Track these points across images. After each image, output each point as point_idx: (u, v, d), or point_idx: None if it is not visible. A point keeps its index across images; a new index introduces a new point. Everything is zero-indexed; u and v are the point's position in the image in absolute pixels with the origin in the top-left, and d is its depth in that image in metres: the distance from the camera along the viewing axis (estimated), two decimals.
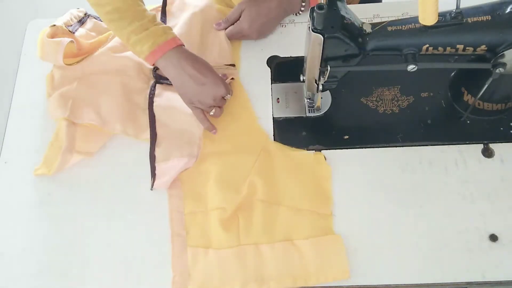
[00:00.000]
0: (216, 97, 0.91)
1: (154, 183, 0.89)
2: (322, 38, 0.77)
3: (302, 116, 0.95)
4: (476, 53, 0.81)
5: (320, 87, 0.86)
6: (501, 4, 0.78)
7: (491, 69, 0.80)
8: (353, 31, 0.79)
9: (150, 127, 0.94)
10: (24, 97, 1.02)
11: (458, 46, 0.80)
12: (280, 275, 0.82)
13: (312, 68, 0.83)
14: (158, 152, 0.92)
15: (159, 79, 0.99)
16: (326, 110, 0.96)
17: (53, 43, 0.95)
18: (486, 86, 0.84)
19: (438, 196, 0.87)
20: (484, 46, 0.79)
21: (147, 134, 0.94)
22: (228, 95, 0.93)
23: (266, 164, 0.90)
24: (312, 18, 0.77)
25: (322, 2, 0.76)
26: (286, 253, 0.83)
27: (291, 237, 0.84)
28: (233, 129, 0.95)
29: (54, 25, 0.98)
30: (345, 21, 0.77)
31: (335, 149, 0.92)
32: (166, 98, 0.97)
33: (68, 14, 1.03)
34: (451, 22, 0.78)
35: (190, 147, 0.92)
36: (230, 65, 1.01)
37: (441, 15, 0.77)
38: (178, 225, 0.87)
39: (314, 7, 0.75)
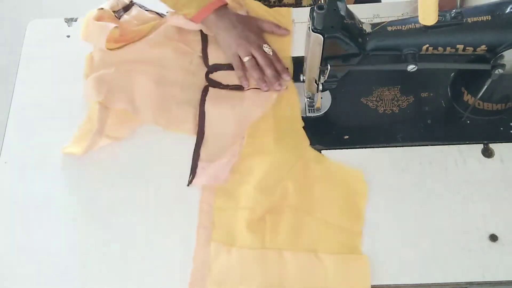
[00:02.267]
0: (254, 42, 0.94)
1: (193, 181, 0.89)
2: (322, 38, 0.77)
3: (302, 116, 0.95)
4: (476, 53, 0.81)
5: (320, 87, 0.86)
6: (501, 4, 0.78)
7: (491, 69, 0.80)
8: (353, 31, 0.79)
9: (198, 125, 0.94)
10: (24, 97, 1.02)
11: (458, 46, 0.80)
12: (299, 286, 0.80)
13: (312, 68, 0.83)
14: (203, 151, 0.92)
15: (212, 83, 0.99)
16: (326, 110, 0.96)
17: (98, 26, 0.96)
18: (486, 86, 0.84)
19: (438, 196, 0.87)
20: (484, 46, 0.79)
21: (177, 126, 0.95)
22: (267, 45, 0.94)
23: (302, 171, 0.89)
24: (312, 18, 0.77)
25: (322, 2, 0.76)
26: (309, 264, 0.82)
27: (316, 249, 0.83)
28: (277, 130, 0.93)
29: (102, 9, 0.99)
30: (345, 21, 0.77)
31: (335, 149, 0.92)
32: (218, 100, 0.97)
33: (115, 0, 1.04)
34: (451, 22, 0.78)
35: (233, 147, 0.92)
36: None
37: (441, 15, 0.77)
38: (206, 218, 0.86)
39: (314, 7, 0.75)
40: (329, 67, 0.81)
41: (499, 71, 0.79)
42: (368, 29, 0.81)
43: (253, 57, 0.96)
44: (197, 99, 0.97)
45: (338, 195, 0.87)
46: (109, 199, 0.90)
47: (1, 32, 2.10)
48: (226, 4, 0.99)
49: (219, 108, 0.95)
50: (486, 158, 0.90)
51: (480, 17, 0.78)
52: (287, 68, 0.98)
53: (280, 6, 1.09)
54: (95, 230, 0.88)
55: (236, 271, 0.82)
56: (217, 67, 1.00)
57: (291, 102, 0.96)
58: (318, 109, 0.95)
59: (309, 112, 0.95)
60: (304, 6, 1.11)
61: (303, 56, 0.87)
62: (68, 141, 0.95)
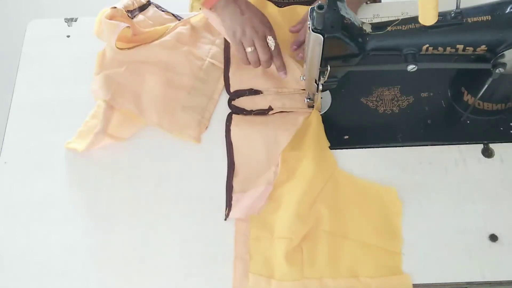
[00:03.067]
0: (258, 30, 0.93)
1: (229, 214, 0.87)
2: (322, 38, 0.77)
3: None
4: (476, 53, 0.81)
5: (320, 87, 0.86)
6: (501, 4, 0.78)
7: (491, 69, 0.80)
8: (353, 31, 0.79)
9: (228, 156, 0.92)
10: (24, 97, 1.02)
11: (458, 46, 0.80)
12: None
13: (312, 68, 0.83)
14: (235, 182, 0.90)
15: (236, 110, 0.97)
16: (326, 110, 0.96)
17: (110, 24, 0.95)
18: (486, 86, 0.84)
19: (438, 196, 0.87)
20: (484, 46, 0.79)
21: (180, 131, 0.94)
22: (271, 38, 0.93)
23: (333, 193, 0.87)
24: (312, 18, 0.77)
25: (322, 2, 0.76)
26: None
27: (357, 273, 0.81)
28: (305, 155, 0.90)
29: (115, 7, 0.98)
30: (345, 21, 0.77)
31: (335, 149, 0.92)
32: (244, 127, 0.95)
33: (128, 0, 1.03)
34: (451, 22, 0.78)
35: (267, 175, 0.90)
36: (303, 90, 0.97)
37: (441, 15, 0.77)
38: (242, 249, 0.84)
39: (314, 7, 0.75)
40: (329, 68, 0.81)
41: (500, 70, 0.79)
42: (368, 29, 0.81)
43: (255, 49, 0.95)
44: (203, 106, 0.97)
45: (372, 215, 0.85)
46: (109, 199, 0.90)
47: (1, 32, 2.10)
48: None
49: (246, 135, 0.94)
50: (486, 158, 0.90)
51: (480, 17, 0.78)
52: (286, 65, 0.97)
53: (294, 4, 1.08)
54: (95, 230, 0.88)
55: None
56: (239, 93, 0.98)
57: (316, 124, 0.93)
58: (318, 109, 0.95)
59: None
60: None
61: None
62: (72, 136, 0.95)
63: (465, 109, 0.92)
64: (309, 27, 0.78)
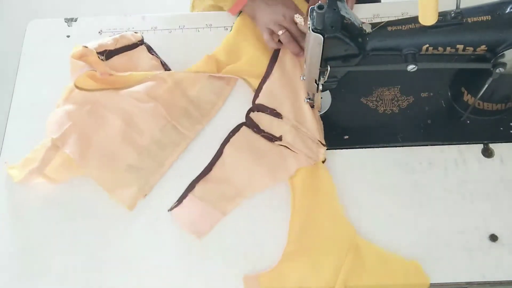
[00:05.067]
0: (285, 14, 0.95)
1: (175, 209, 0.87)
2: (322, 38, 0.77)
3: None
4: (476, 53, 0.81)
5: (320, 87, 0.86)
6: (501, 4, 0.78)
7: (491, 69, 0.80)
8: (353, 31, 0.79)
9: (211, 161, 0.91)
10: (24, 97, 1.02)
11: (458, 46, 0.80)
12: None
13: (312, 68, 0.83)
14: (199, 186, 0.88)
15: (249, 122, 0.94)
16: (326, 110, 0.96)
17: (73, 63, 0.93)
18: (486, 86, 0.84)
19: (438, 196, 0.87)
20: (484, 46, 0.79)
21: (116, 191, 0.89)
22: (298, 15, 0.95)
23: (355, 268, 0.80)
24: (312, 18, 0.77)
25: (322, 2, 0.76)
26: None
27: None
28: (316, 222, 0.85)
29: (86, 47, 0.94)
30: (345, 21, 0.77)
31: (335, 149, 0.92)
32: (243, 144, 0.92)
33: (116, 38, 0.99)
34: (451, 22, 0.78)
35: (227, 204, 0.87)
36: (321, 143, 0.92)
37: (441, 15, 0.77)
38: None
39: (314, 7, 0.75)
40: (329, 68, 0.81)
41: (500, 70, 0.79)
42: (368, 29, 0.81)
43: (287, 30, 0.96)
44: (150, 172, 0.91)
45: None
46: (110, 199, 0.90)
47: (1, 32, 2.10)
48: None
49: (240, 153, 0.91)
50: (486, 158, 0.90)
51: (480, 17, 0.78)
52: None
53: None
54: (95, 230, 0.88)
55: None
56: (261, 108, 0.95)
57: (326, 186, 0.88)
58: (318, 109, 0.95)
59: None
60: None
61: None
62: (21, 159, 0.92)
63: (465, 109, 0.92)
64: (309, 27, 0.78)
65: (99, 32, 1.07)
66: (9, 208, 0.91)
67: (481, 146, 0.91)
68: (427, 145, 0.91)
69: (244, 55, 1.00)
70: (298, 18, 0.95)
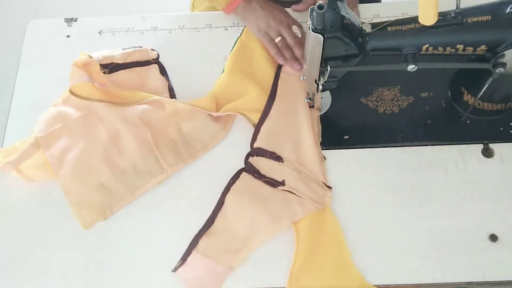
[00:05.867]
0: (282, 21, 0.96)
1: (179, 268, 0.83)
2: (322, 38, 0.77)
3: None
4: (476, 53, 0.81)
5: (320, 87, 0.86)
6: (501, 4, 0.78)
7: (491, 69, 0.80)
8: (353, 31, 0.79)
9: (212, 212, 0.86)
10: (24, 97, 1.02)
11: (458, 46, 0.80)
12: None
13: (312, 68, 0.83)
14: (203, 241, 0.84)
15: (249, 168, 0.90)
16: (326, 110, 0.96)
17: (73, 70, 0.93)
18: (486, 86, 0.84)
19: (438, 196, 0.87)
20: (484, 46, 0.79)
21: (79, 207, 0.87)
22: (296, 27, 0.96)
23: None
24: (312, 18, 0.77)
25: (322, 2, 0.76)
26: None
27: None
28: (322, 267, 0.82)
29: (91, 57, 0.94)
30: (345, 21, 0.77)
31: (335, 149, 0.92)
32: (245, 191, 0.87)
33: (128, 52, 0.98)
34: (451, 22, 0.78)
35: (233, 258, 0.83)
36: (326, 185, 0.89)
37: (441, 15, 0.77)
38: None
39: (314, 7, 0.75)
40: (329, 68, 0.81)
41: (500, 70, 0.79)
42: (368, 29, 0.81)
43: (283, 37, 0.97)
44: (118, 197, 0.88)
45: None
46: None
47: (1, 32, 2.10)
48: None
49: (242, 201, 0.86)
50: (486, 158, 0.90)
51: (480, 17, 0.78)
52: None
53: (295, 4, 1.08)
54: (95, 230, 0.88)
55: None
56: (260, 152, 0.90)
57: (333, 229, 0.85)
58: (318, 109, 0.95)
59: None
60: None
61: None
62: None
63: (465, 109, 0.92)
64: (309, 27, 0.78)
65: (99, 32, 1.07)
66: (9, 208, 0.91)
67: (481, 146, 0.91)
68: (427, 145, 0.91)
69: (244, 93, 0.96)
70: (296, 30, 0.97)
